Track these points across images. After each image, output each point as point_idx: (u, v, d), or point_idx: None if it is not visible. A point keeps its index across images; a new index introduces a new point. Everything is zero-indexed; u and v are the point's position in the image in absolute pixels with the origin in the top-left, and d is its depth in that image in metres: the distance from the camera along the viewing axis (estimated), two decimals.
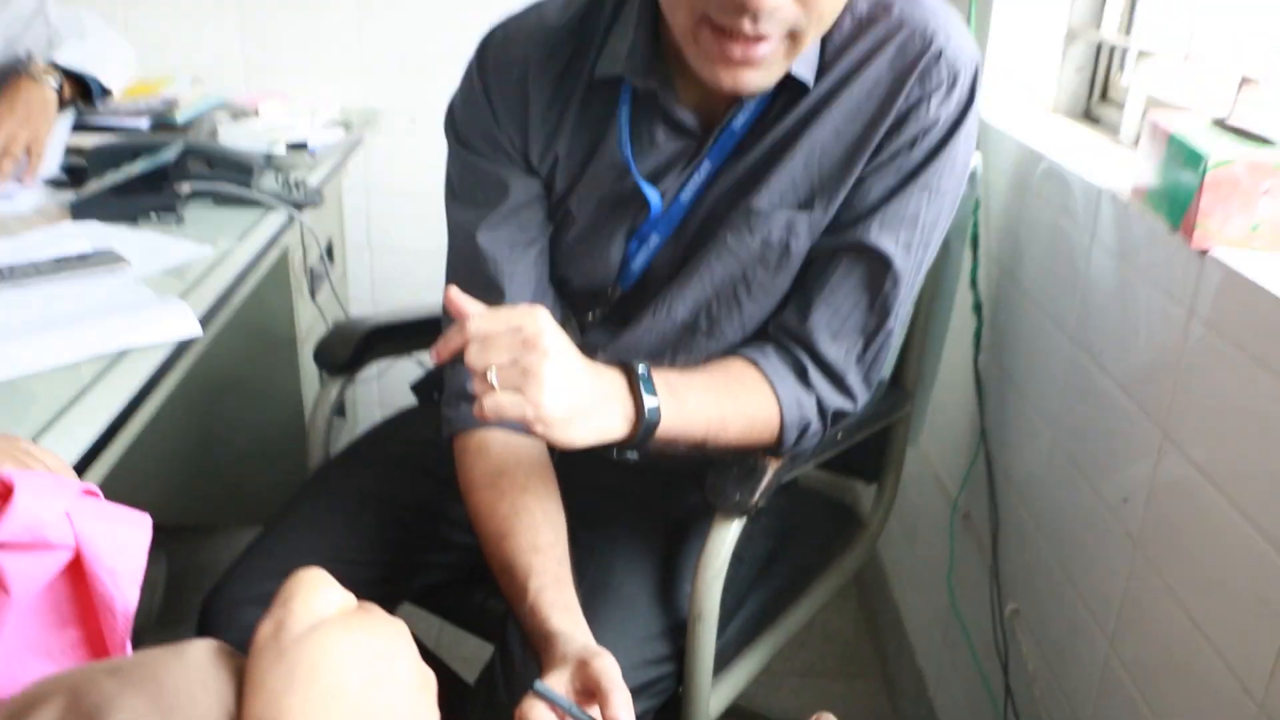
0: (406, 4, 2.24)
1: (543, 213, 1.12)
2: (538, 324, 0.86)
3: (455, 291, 0.89)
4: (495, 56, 1.10)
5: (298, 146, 1.89)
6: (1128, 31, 1.55)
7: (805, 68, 0.99)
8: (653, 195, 1.06)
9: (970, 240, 1.56)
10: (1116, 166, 1.30)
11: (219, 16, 2.26)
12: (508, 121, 1.09)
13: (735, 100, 1.02)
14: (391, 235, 2.41)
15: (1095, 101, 1.64)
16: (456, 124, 1.13)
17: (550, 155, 1.09)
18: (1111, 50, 1.61)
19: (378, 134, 2.31)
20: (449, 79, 2.19)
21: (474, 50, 1.12)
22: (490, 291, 1.09)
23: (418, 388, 1.45)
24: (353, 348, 1.41)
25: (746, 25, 0.87)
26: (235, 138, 1.88)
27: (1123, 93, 1.54)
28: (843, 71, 1.00)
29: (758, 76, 0.92)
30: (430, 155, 2.24)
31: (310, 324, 1.95)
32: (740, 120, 1.03)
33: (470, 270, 1.11)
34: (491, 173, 1.10)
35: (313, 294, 1.95)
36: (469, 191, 1.12)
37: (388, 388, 2.26)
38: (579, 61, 1.06)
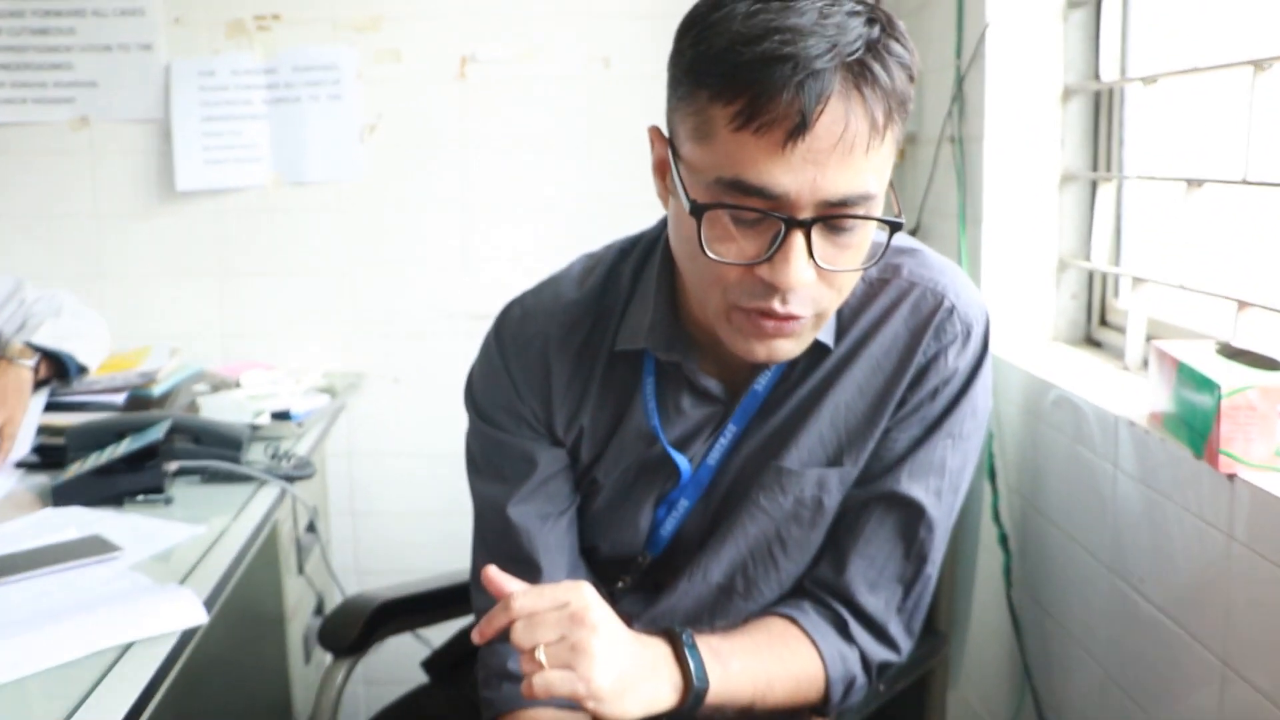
0: (386, 268, 2.38)
1: (570, 482, 1.18)
2: (584, 599, 0.92)
3: (494, 570, 0.95)
4: (514, 331, 1.16)
5: (282, 415, 1.98)
6: (1117, 260, 1.69)
7: (825, 331, 1.07)
8: (682, 462, 1.12)
9: (987, 473, 1.63)
10: (1126, 392, 1.39)
11: (195, 285, 2.38)
12: (530, 395, 1.15)
13: (757, 364, 1.08)
14: (376, 499, 2.46)
15: (1094, 327, 1.76)
16: (476, 398, 1.18)
17: (575, 427, 1.15)
18: (1104, 276, 1.74)
19: (360, 397, 2.40)
20: (431, 338, 2.40)
21: (493, 325, 1.19)
22: (524, 565, 1.13)
23: (430, 664, 1.47)
24: (360, 627, 1.42)
25: (777, 305, 0.94)
26: (218, 409, 1.95)
27: (1122, 317, 1.66)
28: (861, 331, 1.09)
29: (790, 346, 0.99)
30: (415, 415, 2.42)
31: (298, 599, 1.98)
32: (763, 383, 1.10)
33: (502, 544, 1.15)
34: (517, 447, 1.15)
35: (300, 566, 1.99)
36: (495, 466, 1.17)
37: (376, 663, 2.22)
38: (599, 334, 1.14)
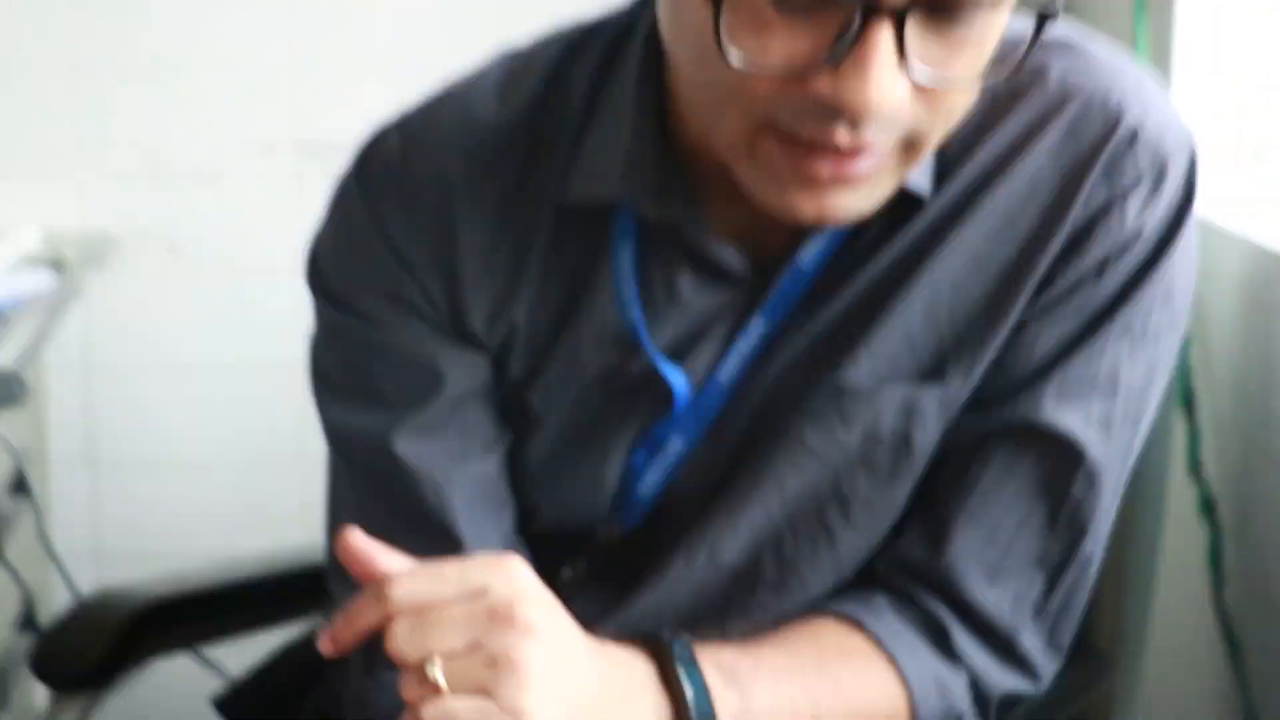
0: (156, 69, 2.32)
1: (497, 407, 1.17)
2: (512, 582, 0.90)
3: (356, 536, 0.91)
4: (392, 172, 1.14)
5: None
6: None
7: (918, 173, 1.02)
8: (676, 379, 1.11)
9: (1180, 399, 1.58)
10: None
11: None
12: (424, 269, 1.13)
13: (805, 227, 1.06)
14: (130, 441, 2.45)
15: None
16: (329, 276, 1.16)
17: (502, 323, 1.14)
18: None
19: (109, 275, 2.35)
20: (234, 182, 2.57)
21: (350, 164, 1.15)
22: (428, 534, 1.12)
23: (228, 704, 1.46)
24: (108, 643, 1.39)
25: (841, 136, 0.89)
26: None
27: None
28: (979, 171, 1.07)
29: (856, 200, 0.95)
30: (201, 305, 2.38)
31: None
32: (812, 254, 1.08)
33: (384, 503, 1.14)
34: (405, 350, 1.14)
35: None
36: (366, 383, 1.15)
37: (133, 704, 1.97)
38: (537, 177, 1.12)
